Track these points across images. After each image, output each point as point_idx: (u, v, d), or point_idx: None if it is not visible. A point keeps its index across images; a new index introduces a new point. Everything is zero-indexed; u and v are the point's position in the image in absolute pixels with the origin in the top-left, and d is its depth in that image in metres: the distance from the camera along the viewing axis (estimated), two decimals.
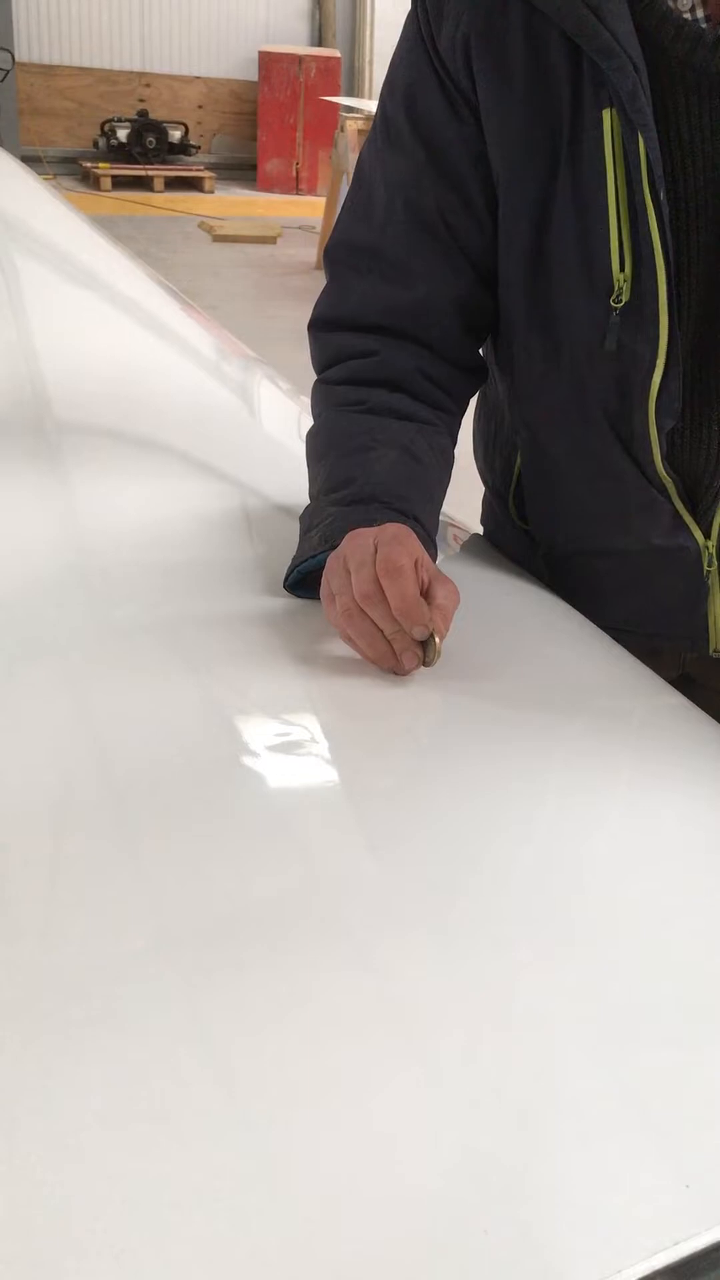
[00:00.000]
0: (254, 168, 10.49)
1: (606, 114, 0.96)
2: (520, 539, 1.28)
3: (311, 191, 10.11)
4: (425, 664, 0.93)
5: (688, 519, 1.12)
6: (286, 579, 1.04)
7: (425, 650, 0.92)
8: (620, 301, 1.01)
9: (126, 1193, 0.51)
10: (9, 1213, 0.50)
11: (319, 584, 0.98)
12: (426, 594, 0.93)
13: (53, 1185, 0.52)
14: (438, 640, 0.92)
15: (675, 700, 1.00)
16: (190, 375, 1.85)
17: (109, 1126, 0.54)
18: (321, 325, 1.17)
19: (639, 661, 1.06)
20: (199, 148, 10.49)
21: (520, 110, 1.01)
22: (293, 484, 1.18)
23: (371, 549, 0.93)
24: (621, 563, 1.19)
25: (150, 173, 9.87)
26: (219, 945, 0.66)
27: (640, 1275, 0.49)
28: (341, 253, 1.15)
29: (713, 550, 1.13)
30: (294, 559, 1.04)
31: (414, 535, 0.96)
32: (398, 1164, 0.54)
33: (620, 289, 1.01)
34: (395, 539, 0.94)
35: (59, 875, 0.71)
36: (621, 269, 1.00)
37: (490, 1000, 0.64)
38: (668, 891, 0.75)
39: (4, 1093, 0.56)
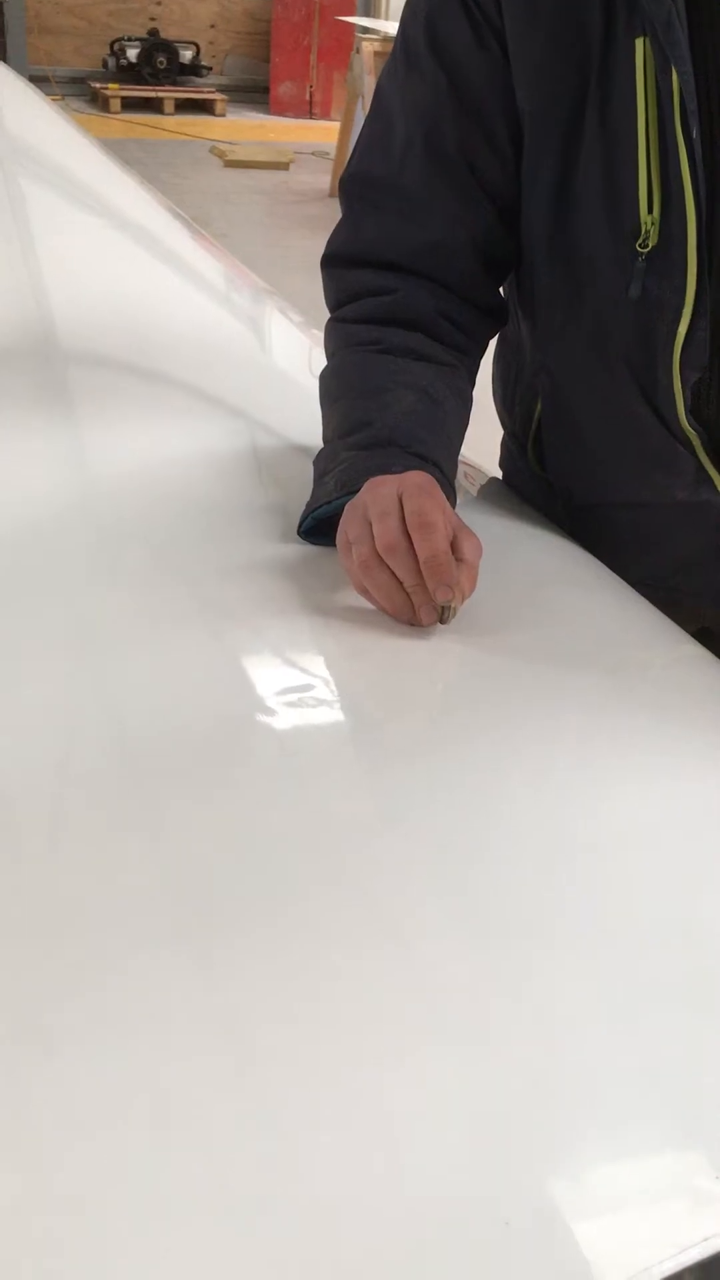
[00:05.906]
0: (266, 90, 10.30)
1: (639, 43, 0.92)
2: (539, 487, 1.24)
3: (325, 116, 9.92)
4: (442, 622, 0.91)
5: (712, 474, 1.08)
6: (300, 525, 1.02)
7: (443, 610, 0.90)
8: (647, 245, 0.98)
9: (130, 1165, 0.50)
10: (10, 1204, 0.49)
11: (334, 530, 0.95)
12: (453, 547, 0.90)
13: (54, 1159, 0.50)
14: (456, 603, 0.90)
15: (695, 651, 0.98)
16: (200, 306, 1.82)
17: (112, 1098, 0.53)
18: (336, 261, 1.14)
19: (658, 612, 1.03)
20: (211, 69, 10.30)
21: (548, 39, 0.97)
22: (305, 422, 1.15)
23: (395, 498, 0.91)
24: (642, 517, 1.16)
25: (161, 94, 9.70)
26: (225, 905, 0.65)
27: (670, 1272, 0.47)
28: (357, 186, 1.11)
29: None
30: (308, 504, 1.01)
31: (437, 484, 0.93)
32: (413, 1150, 0.52)
33: (647, 232, 0.97)
34: (422, 490, 0.91)
35: (64, 827, 0.70)
36: (649, 211, 0.96)
37: (507, 970, 0.62)
38: (691, 852, 0.73)
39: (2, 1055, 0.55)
